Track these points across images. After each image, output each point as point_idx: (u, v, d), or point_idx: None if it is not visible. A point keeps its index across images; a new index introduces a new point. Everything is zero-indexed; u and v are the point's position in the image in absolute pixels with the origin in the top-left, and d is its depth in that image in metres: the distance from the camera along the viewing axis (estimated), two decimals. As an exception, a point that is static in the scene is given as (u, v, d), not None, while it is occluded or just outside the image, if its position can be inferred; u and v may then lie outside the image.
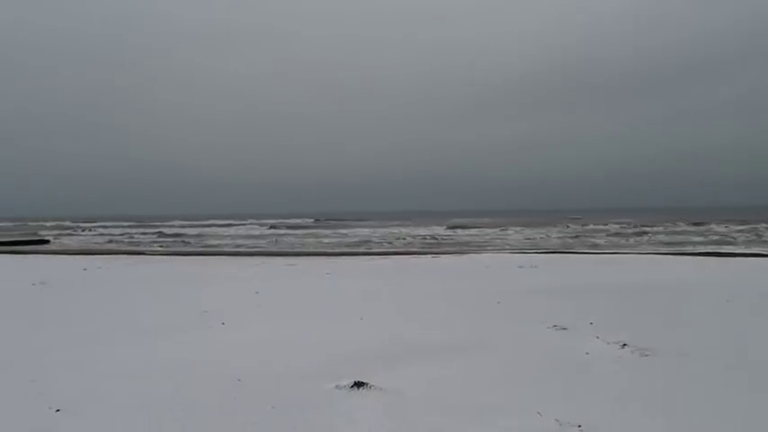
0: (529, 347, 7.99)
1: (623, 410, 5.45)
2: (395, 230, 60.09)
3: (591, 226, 60.14)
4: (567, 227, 59.57)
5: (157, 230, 66.83)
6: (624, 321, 9.73)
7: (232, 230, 67.35)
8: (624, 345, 7.95)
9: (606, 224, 62.70)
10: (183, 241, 50.84)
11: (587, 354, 7.58)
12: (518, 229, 56.93)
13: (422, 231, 57.56)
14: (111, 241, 52.11)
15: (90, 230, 71.14)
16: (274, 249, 38.52)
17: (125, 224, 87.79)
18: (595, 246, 36.92)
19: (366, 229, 62.95)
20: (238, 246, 43.28)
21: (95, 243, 50.28)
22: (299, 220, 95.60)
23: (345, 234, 55.99)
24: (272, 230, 66.52)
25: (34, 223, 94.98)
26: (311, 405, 5.64)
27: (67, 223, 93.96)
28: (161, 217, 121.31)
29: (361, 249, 37.14)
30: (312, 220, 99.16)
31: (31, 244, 49.47)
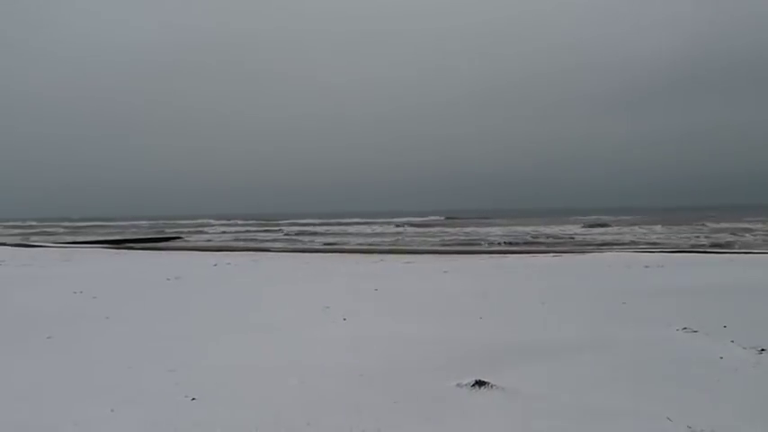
0: (656, 350, 7.65)
1: (763, 421, 5.13)
2: (527, 228, 59.04)
3: (725, 224, 56.64)
4: (704, 225, 56.54)
5: (284, 228, 69.43)
6: (762, 325, 9.11)
7: (355, 228, 68.59)
8: (762, 350, 7.45)
9: (742, 222, 58.96)
10: (304, 239, 52.46)
11: (721, 358, 7.17)
12: (652, 228, 54.39)
13: (553, 230, 56.15)
14: (236, 239, 54.51)
15: (219, 228, 74.85)
16: (393, 247, 38.98)
17: (252, 222, 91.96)
18: (729, 244, 34.81)
19: (494, 228, 62.13)
20: (359, 244, 44.13)
21: (222, 240, 52.82)
22: (430, 218, 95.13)
23: (469, 232, 55.88)
24: (397, 228, 67.20)
25: (169, 221, 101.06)
26: (433, 402, 5.67)
27: (200, 221, 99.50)
28: (298, 214, 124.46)
29: (483, 247, 36.89)
30: (443, 217, 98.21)
31: (164, 240, 52.80)
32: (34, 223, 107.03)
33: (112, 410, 5.43)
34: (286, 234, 60.69)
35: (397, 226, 72.81)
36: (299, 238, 54.75)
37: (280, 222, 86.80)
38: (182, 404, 5.65)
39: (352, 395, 5.89)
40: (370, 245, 42.37)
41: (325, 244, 44.81)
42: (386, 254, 30.99)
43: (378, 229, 67.12)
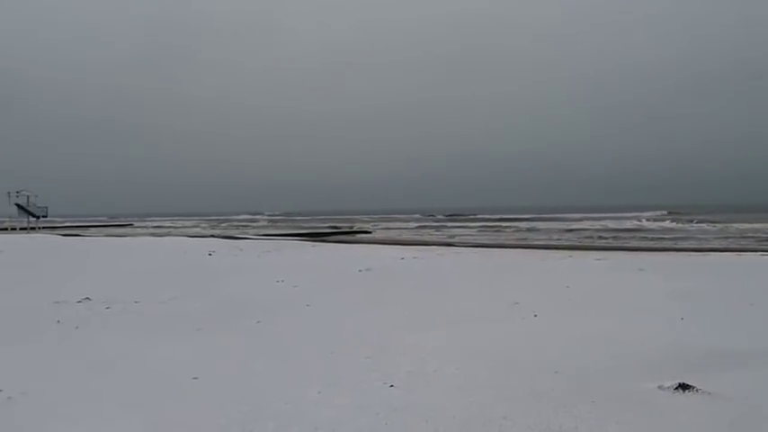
0: None
1: None
2: (743, 226, 54.01)
3: None
4: None
5: (471, 224, 69.69)
6: None
7: (546, 225, 67.25)
8: None
9: None
10: (490, 234, 52.32)
11: None
12: None
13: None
14: (423, 232, 55.52)
15: (407, 223, 76.80)
16: (576, 243, 37.76)
17: (441, 216, 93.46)
18: None
19: (707, 225, 57.59)
20: (549, 238, 43.23)
21: (409, 234, 54.07)
22: (650, 213, 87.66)
23: (674, 229, 52.56)
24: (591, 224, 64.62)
25: (352, 216, 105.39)
26: (633, 403, 5.47)
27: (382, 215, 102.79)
28: (488, 209, 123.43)
29: (685, 245, 34.58)
30: (665, 212, 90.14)
31: (359, 233, 55.23)
32: (244, 217, 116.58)
33: (319, 392, 5.81)
34: (480, 228, 60.91)
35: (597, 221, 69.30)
36: (481, 234, 54.60)
37: (472, 216, 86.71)
38: (381, 390, 5.91)
39: (546, 391, 5.83)
40: (558, 240, 41.43)
41: (518, 239, 44.24)
42: (573, 250, 30.08)
43: (573, 225, 64.51)
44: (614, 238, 43.69)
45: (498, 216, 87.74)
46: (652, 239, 41.20)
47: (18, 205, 55.95)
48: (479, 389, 5.92)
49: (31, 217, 56.68)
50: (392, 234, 54.90)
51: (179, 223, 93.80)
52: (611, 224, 61.86)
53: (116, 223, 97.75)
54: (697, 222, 60.48)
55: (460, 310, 10.73)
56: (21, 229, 56.01)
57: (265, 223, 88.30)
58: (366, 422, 5.04)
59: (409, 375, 6.41)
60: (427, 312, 10.62)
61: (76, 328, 9.30)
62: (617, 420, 5.05)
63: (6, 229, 57.77)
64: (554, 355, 7.28)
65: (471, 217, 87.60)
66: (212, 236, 46.14)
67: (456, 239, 43.18)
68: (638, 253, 27.45)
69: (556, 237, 46.04)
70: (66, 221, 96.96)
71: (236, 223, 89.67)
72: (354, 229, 62.42)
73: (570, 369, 6.64)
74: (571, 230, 54.44)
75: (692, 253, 26.68)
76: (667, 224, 60.62)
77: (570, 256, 24.77)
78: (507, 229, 58.29)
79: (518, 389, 5.92)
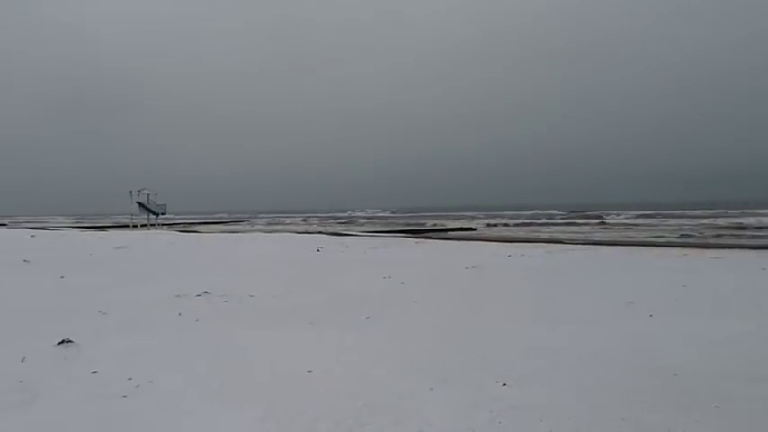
0: None
1: None
2: None
3: None
4: None
5: (584, 220, 67.90)
6: None
7: (645, 221, 64.72)
8: None
9: None
10: (604, 229, 50.80)
11: None
12: None
13: None
14: (531, 230, 54.60)
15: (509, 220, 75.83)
16: (685, 241, 36.01)
17: (555, 212, 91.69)
18: None
19: None
20: (658, 237, 41.47)
21: (517, 231, 53.32)
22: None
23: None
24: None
25: (458, 213, 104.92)
26: (760, 410, 5.18)
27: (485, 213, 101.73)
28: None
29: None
30: None
31: (463, 231, 55.12)
32: (348, 214, 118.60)
33: (431, 389, 5.83)
34: (593, 226, 59.32)
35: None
36: (594, 231, 53.03)
37: (598, 213, 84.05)
38: (494, 388, 5.86)
39: (665, 393, 5.63)
40: (657, 236, 39.75)
41: (625, 236, 42.71)
42: (687, 248, 28.70)
43: (681, 221, 61.89)
44: (731, 235, 41.33)
45: (616, 212, 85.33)
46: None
47: (139, 203, 59.16)
48: (595, 389, 5.76)
49: (151, 214, 59.85)
50: (499, 231, 54.31)
51: (288, 220, 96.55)
52: (720, 221, 58.54)
53: (231, 220, 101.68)
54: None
55: (571, 309, 10.48)
56: (141, 225, 59.29)
57: (367, 220, 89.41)
58: (480, 420, 5.02)
59: (522, 374, 6.32)
60: (536, 310, 10.45)
61: (197, 320, 9.76)
62: (742, 427, 4.79)
63: (128, 226, 61.46)
64: (672, 357, 6.99)
65: (589, 213, 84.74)
66: (319, 232, 47.17)
67: (566, 236, 42.10)
68: (761, 251, 25.80)
69: (668, 233, 44.11)
70: (184, 218, 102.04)
71: (341, 220, 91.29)
72: (459, 227, 62.15)
73: (690, 371, 6.36)
74: (679, 227, 52.10)
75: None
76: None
77: (685, 254, 23.71)
78: (617, 227, 56.29)
79: (635, 390, 5.73)
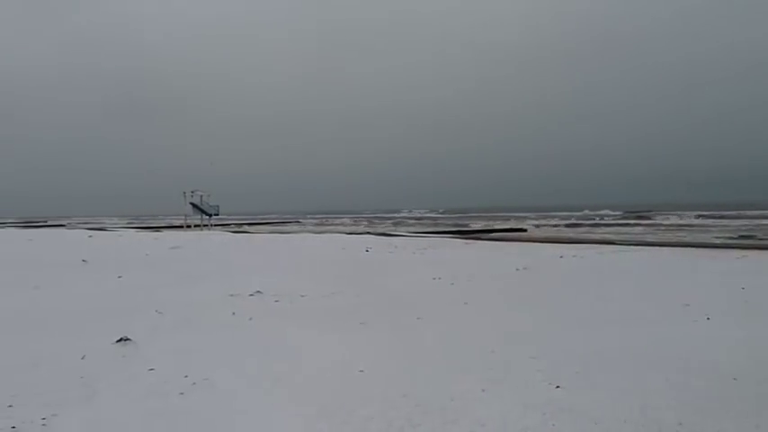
0: None
1: None
2: None
3: None
4: None
5: (641, 221, 66.66)
6: None
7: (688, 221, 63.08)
8: None
9: None
10: (657, 230, 49.74)
11: None
12: None
13: None
14: (576, 232, 53.76)
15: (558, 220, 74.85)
16: (743, 242, 34.91)
17: (607, 211, 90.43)
18: None
19: None
20: (715, 237, 40.36)
21: (569, 232, 52.61)
22: None
23: None
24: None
25: (508, 214, 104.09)
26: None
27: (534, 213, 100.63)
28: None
29: None
30: None
31: (513, 231, 54.67)
32: (396, 215, 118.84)
33: (483, 390, 5.82)
34: (646, 226, 58.20)
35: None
36: (647, 232, 51.94)
37: (651, 214, 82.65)
38: (547, 390, 5.82)
39: (724, 399, 5.50)
40: (714, 236, 38.57)
41: (679, 237, 41.70)
42: (746, 249, 27.83)
43: (737, 222, 60.16)
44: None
45: (677, 212, 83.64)
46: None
47: (192, 204, 60.33)
48: (650, 393, 5.67)
49: (204, 215, 60.99)
50: (549, 232, 53.66)
51: (336, 221, 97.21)
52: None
53: (281, 221, 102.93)
54: None
55: (625, 311, 10.29)
56: (195, 226, 60.50)
57: (416, 221, 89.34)
58: (532, 421, 4.99)
59: (576, 376, 6.25)
60: (590, 312, 10.29)
61: (250, 319, 9.92)
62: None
63: (182, 226, 62.75)
64: (731, 361, 6.80)
65: (644, 214, 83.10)
66: (367, 233, 47.38)
67: (619, 237, 41.31)
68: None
69: (726, 234, 42.87)
70: (236, 219, 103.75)
71: (389, 221, 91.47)
72: (509, 227, 61.61)
73: (751, 376, 6.19)
74: (736, 228, 50.58)
75: None
76: None
77: (745, 256, 22.99)
78: (671, 228, 55.01)
79: (693, 394, 5.62)
